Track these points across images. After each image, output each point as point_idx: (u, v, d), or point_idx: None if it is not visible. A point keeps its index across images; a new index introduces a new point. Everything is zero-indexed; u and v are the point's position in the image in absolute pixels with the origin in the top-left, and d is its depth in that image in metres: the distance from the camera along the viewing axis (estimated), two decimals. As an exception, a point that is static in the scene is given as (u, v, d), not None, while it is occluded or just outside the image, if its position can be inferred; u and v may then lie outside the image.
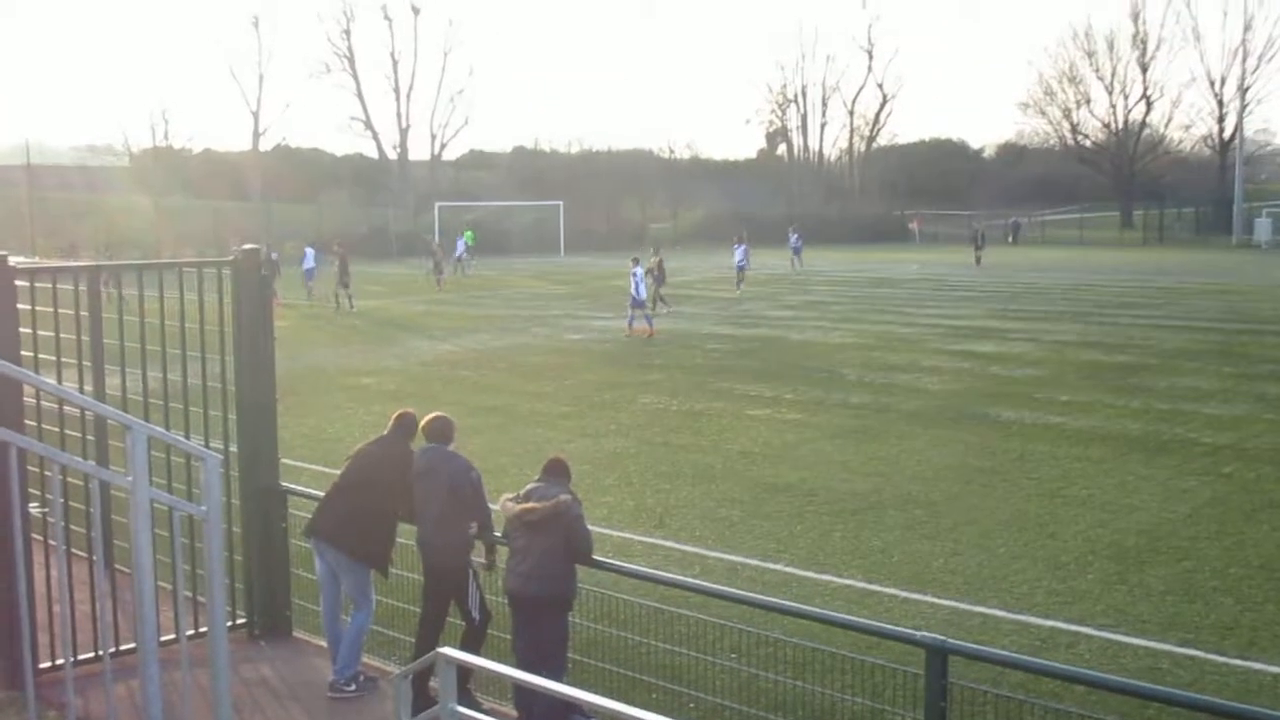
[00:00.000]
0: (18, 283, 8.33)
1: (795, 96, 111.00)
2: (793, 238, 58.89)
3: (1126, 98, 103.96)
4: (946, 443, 17.73)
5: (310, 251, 44.99)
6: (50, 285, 8.59)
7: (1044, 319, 34.74)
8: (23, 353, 8.33)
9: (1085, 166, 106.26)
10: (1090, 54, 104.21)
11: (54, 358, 8.58)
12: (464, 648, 7.77)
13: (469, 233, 62.88)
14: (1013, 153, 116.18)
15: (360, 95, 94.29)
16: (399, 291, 47.27)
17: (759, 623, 8.33)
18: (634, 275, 32.16)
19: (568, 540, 8.05)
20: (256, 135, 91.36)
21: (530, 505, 8.12)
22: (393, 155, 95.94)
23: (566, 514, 8.06)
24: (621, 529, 13.31)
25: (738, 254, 46.12)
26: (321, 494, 9.23)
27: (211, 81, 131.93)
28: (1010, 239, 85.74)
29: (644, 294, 32.15)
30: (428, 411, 9.20)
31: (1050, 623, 10.51)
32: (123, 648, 8.02)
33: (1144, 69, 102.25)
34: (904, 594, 11.26)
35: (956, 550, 12.56)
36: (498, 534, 8.55)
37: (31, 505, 8.28)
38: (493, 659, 6.71)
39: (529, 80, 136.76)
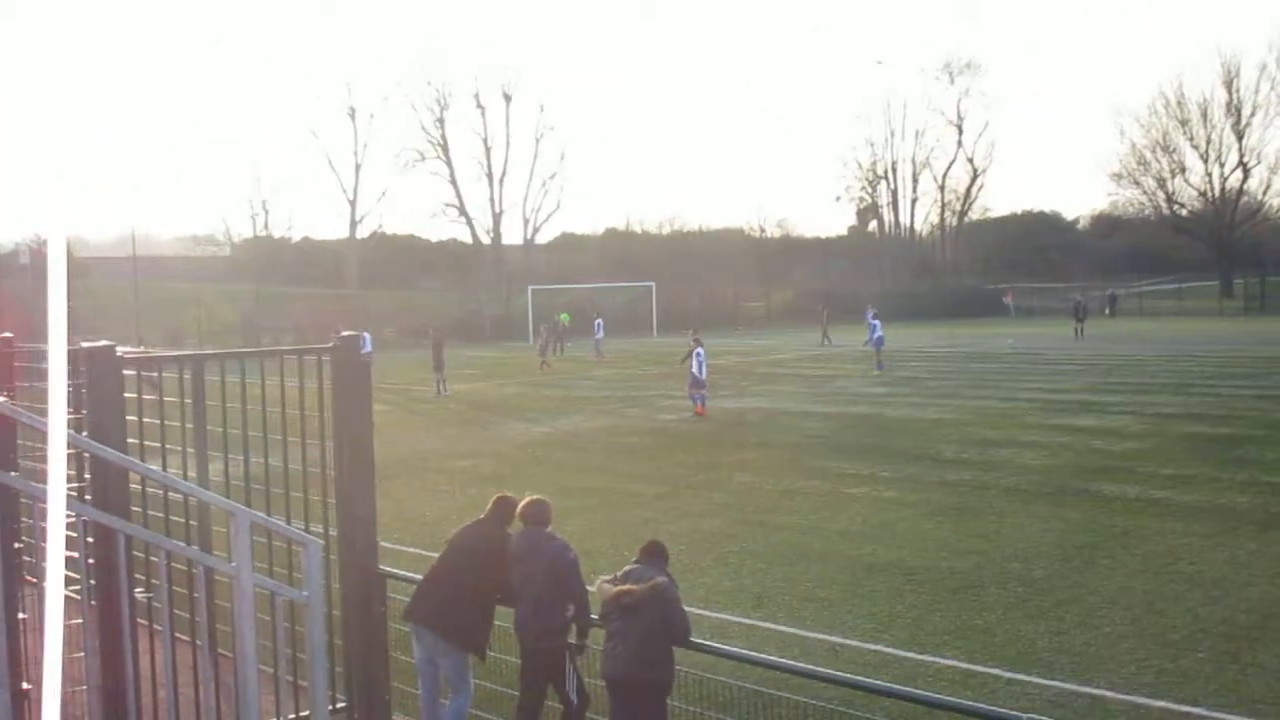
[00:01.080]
0: (124, 372, 8.50)
1: (885, 173, 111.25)
2: (869, 314, 56.20)
3: (1222, 165, 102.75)
4: (1048, 519, 17.44)
5: (366, 337, 45.35)
6: (156, 374, 8.77)
7: (1144, 391, 34.16)
8: (129, 440, 8.49)
9: (1182, 235, 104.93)
10: (1184, 122, 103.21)
11: (159, 444, 8.74)
12: (563, 731, 7.75)
13: (566, 315, 63.26)
14: (1107, 223, 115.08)
15: (454, 182, 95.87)
16: (493, 374, 47.65)
17: (861, 705, 8.20)
18: (697, 355, 32.18)
19: (665, 623, 8.00)
20: (353, 223, 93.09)
21: (627, 588, 8.10)
22: (486, 240, 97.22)
23: (663, 596, 8.03)
24: (719, 610, 13.22)
25: (875, 329, 44.68)
26: (419, 577, 9.28)
27: (310, 171, 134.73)
28: (1107, 310, 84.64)
29: (705, 374, 32.16)
30: (524, 494, 9.24)
31: (1160, 703, 10.24)
32: (225, 733, 8.08)
33: (1239, 136, 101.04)
34: (1009, 674, 11.03)
35: (1061, 629, 12.30)
36: (594, 616, 8.54)
37: (137, 590, 8.40)
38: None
39: (619, 162, 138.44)
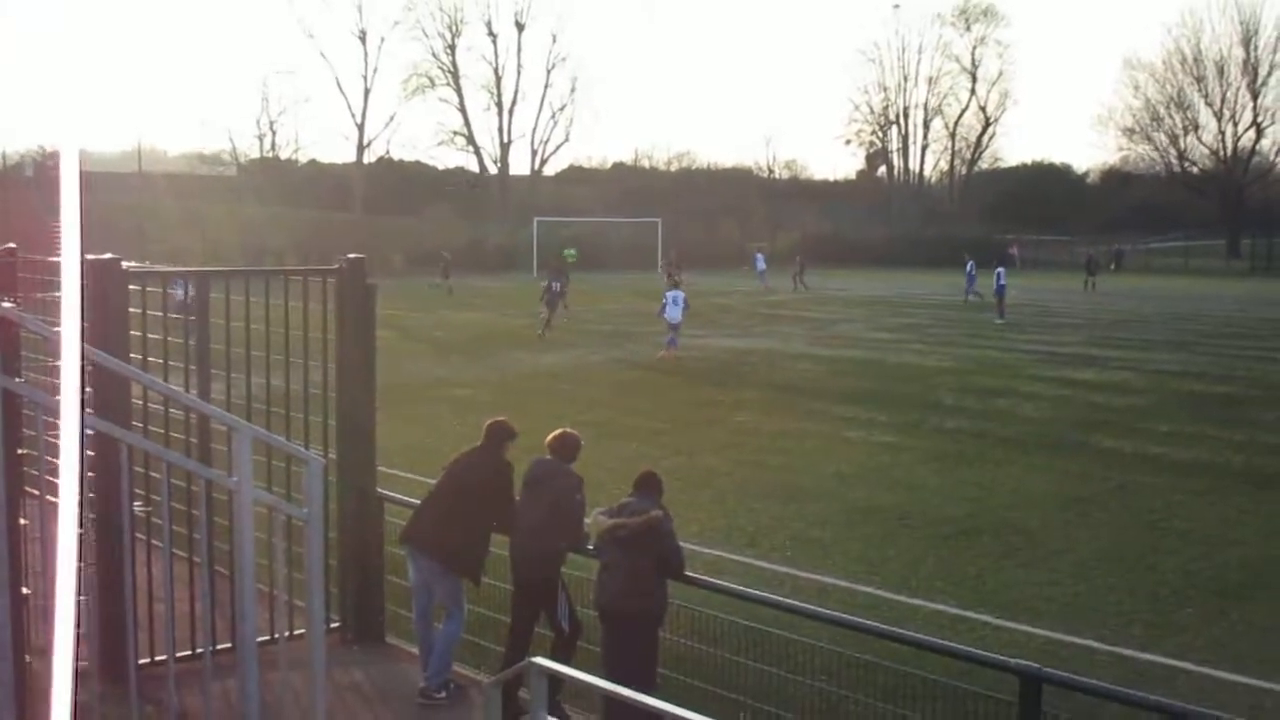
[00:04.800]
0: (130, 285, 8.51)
1: (896, 118, 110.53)
2: (970, 265, 52.23)
3: (1236, 124, 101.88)
4: (1044, 470, 17.50)
5: None
6: (160, 289, 8.78)
7: (1146, 348, 34.14)
8: (131, 355, 8.50)
9: (1192, 193, 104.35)
10: (1199, 79, 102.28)
11: (161, 360, 8.76)
12: (553, 659, 7.80)
13: (571, 251, 62.61)
14: (1117, 178, 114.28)
15: (463, 110, 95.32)
16: (498, 305, 47.63)
17: (849, 645, 8.27)
18: (673, 298, 30.70)
19: (659, 556, 8.05)
20: (361, 148, 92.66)
21: (621, 520, 8.14)
22: (493, 170, 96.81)
23: (658, 530, 8.07)
24: (713, 547, 13.29)
25: (1000, 275, 43.75)
26: (417, 502, 9.33)
27: (318, 93, 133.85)
28: (1113, 266, 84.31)
29: (679, 318, 30.68)
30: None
31: (1147, 656, 10.32)
32: (219, 647, 8.15)
33: (1255, 95, 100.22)
34: (997, 621, 11.11)
35: (1052, 579, 12.38)
36: (590, 547, 8.60)
37: (135, 504, 8.44)
38: (583, 671, 6.72)
39: (630, 96, 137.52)
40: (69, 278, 2.40)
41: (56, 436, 6.44)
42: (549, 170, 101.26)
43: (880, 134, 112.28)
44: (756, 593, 8.95)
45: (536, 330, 35.31)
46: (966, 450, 18.88)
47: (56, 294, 9.70)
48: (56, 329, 6.49)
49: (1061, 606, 11.55)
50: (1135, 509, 15.29)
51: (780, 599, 8.92)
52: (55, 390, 7.61)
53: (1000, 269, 44.28)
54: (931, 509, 15.16)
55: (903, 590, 12.00)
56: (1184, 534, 14.17)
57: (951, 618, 11.22)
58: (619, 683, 6.77)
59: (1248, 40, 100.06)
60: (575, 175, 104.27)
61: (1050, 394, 24.95)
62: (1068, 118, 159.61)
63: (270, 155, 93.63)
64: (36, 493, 5.65)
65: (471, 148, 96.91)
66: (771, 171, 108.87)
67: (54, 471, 7.13)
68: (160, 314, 8.77)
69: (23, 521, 5.78)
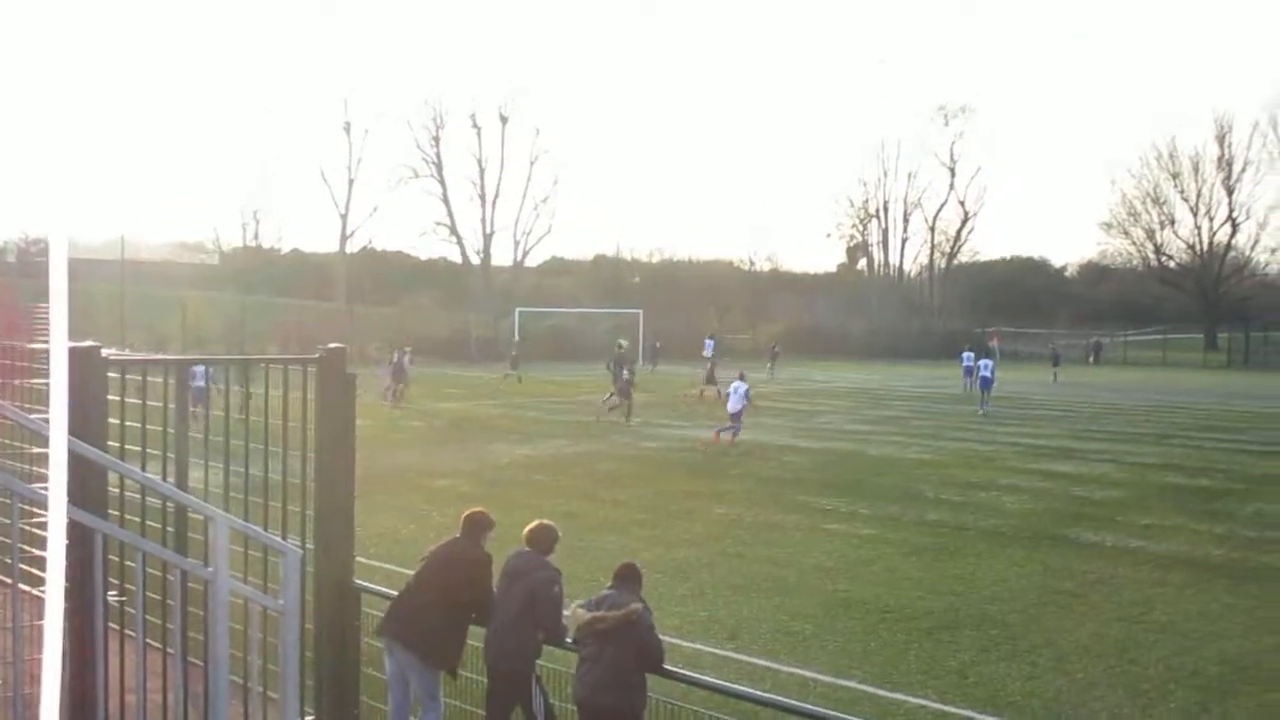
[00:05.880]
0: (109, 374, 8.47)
1: (877, 212, 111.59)
2: (966, 357, 52.19)
3: (1212, 219, 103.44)
4: (1024, 563, 17.46)
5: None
6: (140, 377, 8.74)
7: (1125, 440, 34.25)
8: (109, 442, 8.44)
9: (1168, 287, 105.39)
10: (1175, 175, 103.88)
11: (139, 448, 8.70)
12: (531, 754, 7.72)
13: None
14: (1095, 272, 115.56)
15: (446, 200, 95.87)
16: (478, 395, 47.57)
17: (831, 740, 8.18)
18: (735, 389, 32.19)
19: (638, 650, 7.99)
20: (344, 237, 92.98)
21: (601, 614, 8.09)
22: (476, 260, 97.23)
23: (638, 623, 8.02)
24: (693, 640, 13.18)
25: (985, 367, 43.77)
26: (394, 593, 9.25)
27: (302, 183, 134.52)
28: (1092, 359, 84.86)
29: (736, 408, 31.83)
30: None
31: (1130, 752, 10.23)
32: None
33: (1230, 191, 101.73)
34: (979, 716, 11.03)
35: (1034, 673, 12.30)
36: (569, 640, 8.53)
37: (109, 593, 8.34)
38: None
39: (612, 189, 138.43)
40: (57, 371, 2.39)
41: (30, 525, 6.40)
42: (531, 261, 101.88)
43: (861, 227, 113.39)
44: (737, 687, 8.88)
45: (624, 420, 36.48)
46: (947, 543, 18.83)
47: (32, 381, 9.67)
48: (32, 416, 6.46)
49: (1044, 701, 11.46)
50: (1116, 602, 15.25)
51: (761, 694, 8.84)
52: (30, 478, 7.56)
53: (986, 361, 44.51)
54: (913, 602, 15.08)
55: (884, 684, 11.91)
56: (1165, 627, 14.12)
57: (934, 712, 11.13)
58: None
59: (1222, 137, 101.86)
60: (557, 266, 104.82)
61: (1030, 486, 24.95)
62: (1046, 212, 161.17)
63: (253, 244, 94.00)
64: (9, 581, 5.59)
65: (454, 238, 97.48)
66: (752, 264, 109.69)
67: (28, 560, 7.07)
68: (139, 401, 8.73)
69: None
